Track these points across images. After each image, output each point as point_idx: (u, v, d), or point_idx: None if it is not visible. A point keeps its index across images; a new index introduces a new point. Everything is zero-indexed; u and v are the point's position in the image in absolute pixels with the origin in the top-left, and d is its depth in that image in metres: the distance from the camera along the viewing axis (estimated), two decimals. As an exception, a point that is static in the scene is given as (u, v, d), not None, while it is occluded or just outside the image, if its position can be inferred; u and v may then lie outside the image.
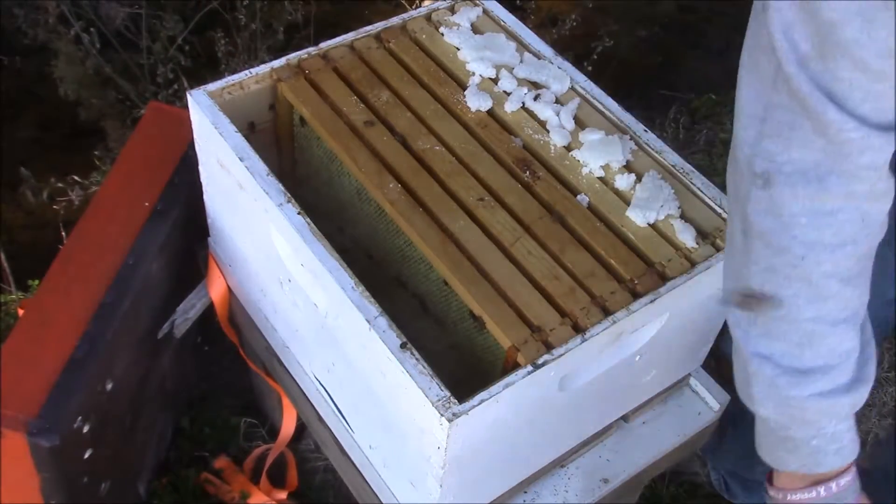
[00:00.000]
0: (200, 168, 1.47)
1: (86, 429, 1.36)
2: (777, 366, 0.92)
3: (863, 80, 0.77)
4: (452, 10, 1.57)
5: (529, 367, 1.11)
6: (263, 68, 1.43)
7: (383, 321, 1.13)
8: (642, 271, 1.23)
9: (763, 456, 1.03)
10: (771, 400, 0.94)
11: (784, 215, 0.85)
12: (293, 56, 1.46)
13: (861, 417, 2.09)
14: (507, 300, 1.19)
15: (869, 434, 2.07)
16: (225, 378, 1.96)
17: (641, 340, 1.27)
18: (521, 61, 1.49)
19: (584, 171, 1.35)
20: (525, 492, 1.39)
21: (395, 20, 1.54)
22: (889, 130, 0.80)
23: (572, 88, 1.47)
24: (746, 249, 0.89)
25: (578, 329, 1.16)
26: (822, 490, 0.98)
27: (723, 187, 1.27)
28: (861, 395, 0.94)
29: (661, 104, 2.66)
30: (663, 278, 1.22)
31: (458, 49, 1.50)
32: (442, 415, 1.05)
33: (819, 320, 0.89)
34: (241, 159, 1.29)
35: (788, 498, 1.01)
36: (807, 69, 0.79)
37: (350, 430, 1.39)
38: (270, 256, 1.35)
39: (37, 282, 2.02)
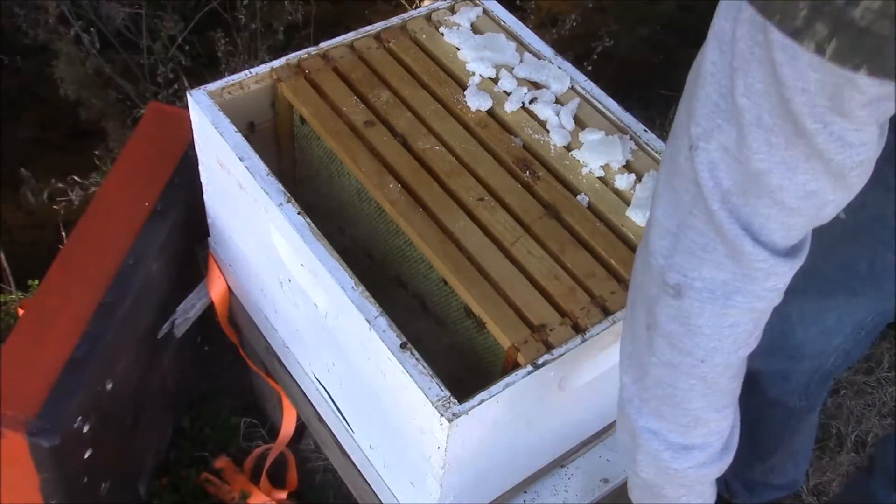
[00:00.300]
0: (200, 168, 1.47)
1: (86, 429, 1.36)
2: (663, 441, 1.00)
3: (780, 215, 0.84)
4: (452, 10, 1.57)
5: (529, 367, 1.11)
6: (263, 68, 1.43)
7: (383, 321, 1.13)
8: (642, 271, 1.23)
9: (632, 499, 1.12)
10: (653, 468, 1.03)
11: (691, 325, 0.92)
12: (293, 56, 1.46)
13: (861, 417, 2.09)
14: (507, 300, 1.19)
15: (869, 434, 2.08)
16: (225, 378, 1.96)
17: (641, 340, 1.27)
18: (521, 61, 1.49)
19: (584, 171, 1.35)
20: (525, 492, 1.39)
21: (395, 20, 1.54)
22: (791, 258, 0.88)
23: (572, 88, 1.47)
24: (650, 342, 0.96)
25: (578, 329, 1.16)
26: None
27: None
28: (727, 462, 1.06)
29: (661, 104, 2.65)
30: (663, 278, 1.22)
31: (458, 49, 1.50)
32: (442, 415, 1.05)
33: (706, 409, 0.98)
34: (241, 159, 1.29)
35: None
36: (728, 204, 0.85)
37: (350, 431, 1.39)
38: (270, 256, 1.35)
39: (37, 282, 2.02)
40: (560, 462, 1.41)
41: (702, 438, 1.01)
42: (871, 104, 0.75)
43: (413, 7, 2.18)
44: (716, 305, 0.90)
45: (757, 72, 0.76)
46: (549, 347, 1.14)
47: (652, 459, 1.02)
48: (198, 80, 2.26)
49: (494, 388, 1.08)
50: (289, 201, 1.25)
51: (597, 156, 1.35)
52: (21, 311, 1.54)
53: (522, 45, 1.52)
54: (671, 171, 0.88)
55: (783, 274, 0.89)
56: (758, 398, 1.68)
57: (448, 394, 1.07)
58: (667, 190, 0.90)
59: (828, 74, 0.72)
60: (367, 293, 1.16)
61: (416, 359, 1.10)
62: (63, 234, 2.06)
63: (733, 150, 0.82)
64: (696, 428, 1.00)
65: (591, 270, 1.23)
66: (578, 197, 1.32)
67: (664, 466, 1.02)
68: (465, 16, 1.54)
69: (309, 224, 1.23)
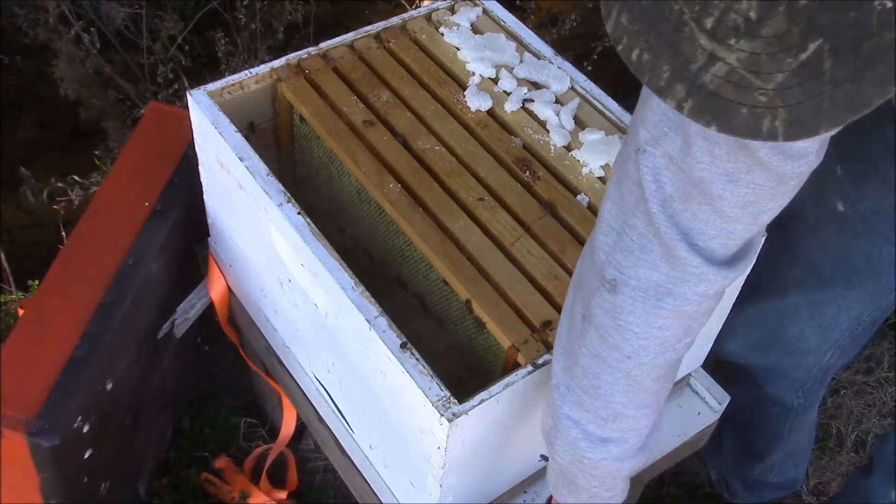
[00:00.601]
0: (200, 168, 1.47)
1: (86, 429, 1.36)
2: (582, 430, 1.04)
3: (718, 222, 0.87)
4: (452, 10, 1.57)
5: (529, 367, 1.11)
6: (263, 68, 1.43)
7: (383, 321, 1.13)
8: (642, 271, 1.23)
9: (549, 486, 1.16)
10: (569, 454, 1.06)
11: (621, 320, 0.95)
12: (293, 56, 1.46)
13: (861, 417, 2.09)
14: (507, 300, 1.19)
15: (869, 434, 2.08)
16: (225, 378, 1.96)
17: (641, 340, 1.27)
18: (521, 61, 1.49)
19: (584, 171, 1.35)
20: (525, 492, 1.39)
21: (395, 20, 1.54)
22: (726, 267, 0.91)
23: (572, 88, 1.47)
24: (582, 332, 0.99)
25: (578, 329, 1.16)
26: None
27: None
28: (643, 460, 1.09)
29: (661, 104, 2.65)
30: (663, 278, 1.22)
31: (458, 49, 1.50)
32: (442, 415, 1.05)
33: (627, 405, 1.01)
34: (241, 159, 1.29)
35: None
36: (668, 209, 0.88)
37: (350, 431, 1.39)
38: (270, 256, 1.35)
39: (37, 282, 2.02)
40: (560, 462, 1.41)
41: (619, 433, 1.03)
42: None
43: (413, 7, 2.18)
44: (647, 304, 0.93)
45: None
46: (549, 347, 1.14)
47: (569, 446, 1.05)
48: (198, 80, 2.25)
49: (494, 388, 1.08)
50: (289, 201, 1.25)
51: (597, 156, 1.35)
52: (21, 311, 1.54)
53: (522, 45, 1.52)
54: (620, 172, 0.92)
55: (714, 281, 0.92)
56: (755, 395, 1.68)
57: (448, 394, 1.07)
58: (615, 190, 0.93)
59: None
60: (367, 293, 1.16)
61: (416, 359, 1.10)
62: (63, 234, 2.06)
63: (677, 159, 0.85)
64: (614, 422, 1.02)
65: (591, 270, 1.23)
66: (578, 197, 1.32)
67: (579, 455, 1.05)
68: (465, 16, 1.54)
69: (309, 224, 1.23)
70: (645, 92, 0.87)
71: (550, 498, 1.18)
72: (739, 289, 1.36)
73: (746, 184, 0.84)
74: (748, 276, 1.32)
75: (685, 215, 0.88)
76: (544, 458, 1.28)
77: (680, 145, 0.85)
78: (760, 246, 0.95)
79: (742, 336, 1.58)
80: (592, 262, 0.97)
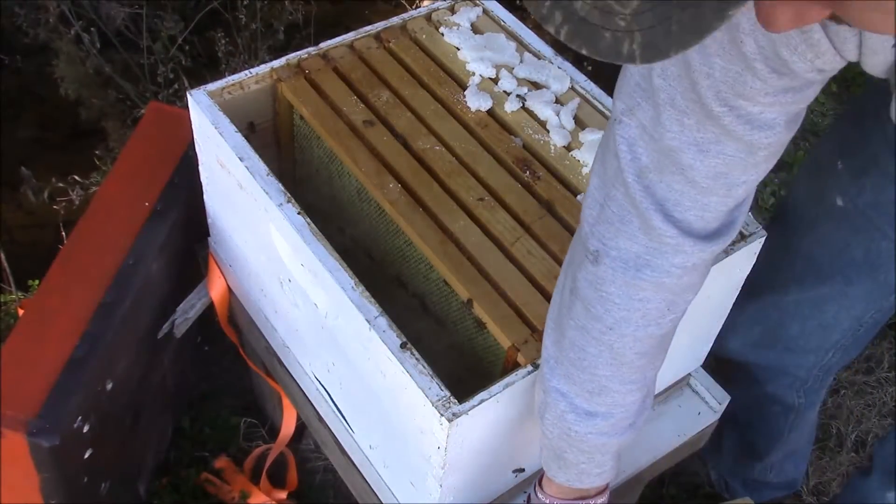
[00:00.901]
0: (200, 168, 1.47)
1: (86, 429, 1.36)
2: (569, 403, 1.05)
3: (692, 192, 0.89)
4: (452, 10, 1.57)
5: (529, 367, 1.11)
6: (263, 68, 1.43)
7: (383, 321, 1.13)
8: (642, 271, 1.23)
9: (542, 462, 1.17)
10: (557, 428, 1.08)
11: (603, 291, 0.97)
12: (293, 56, 1.45)
13: (861, 417, 2.09)
14: (507, 300, 1.19)
15: (869, 434, 2.08)
16: (225, 378, 1.96)
17: (641, 340, 1.27)
18: (521, 61, 1.49)
19: (584, 170, 1.35)
20: (525, 492, 1.39)
21: (395, 20, 1.54)
22: (703, 240, 0.93)
23: (572, 88, 1.46)
24: (570, 305, 1.01)
25: (578, 329, 1.16)
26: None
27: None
28: (631, 437, 1.10)
29: (661, 104, 2.65)
30: (663, 278, 1.22)
31: (458, 49, 1.50)
32: (442, 415, 1.05)
33: (612, 378, 1.02)
34: (241, 159, 1.29)
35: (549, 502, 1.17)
36: (644, 179, 0.90)
37: (350, 431, 1.39)
38: (270, 256, 1.35)
39: (37, 282, 2.02)
40: (560, 462, 1.41)
41: (605, 407, 1.05)
42: (773, 94, 0.81)
43: (413, 7, 2.18)
44: (626, 275, 0.95)
45: None
46: (549, 347, 1.14)
47: (557, 420, 1.07)
48: (198, 80, 2.25)
49: (494, 388, 1.08)
50: (289, 201, 1.25)
51: (597, 156, 1.35)
52: (21, 311, 1.54)
53: (522, 45, 1.52)
54: (604, 146, 0.94)
55: (691, 253, 0.93)
56: (756, 394, 1.68)
57: (448, 394, 1.07)
58: (599, 164, 0.95)
59: (730, 62, 0.80)
60: (367, 293, 1.16)
61: (416, 359, 1.10)
62: (63, 234, 2.06)
63: (650, 128, 0.88)
64: (600, 395, 1.04)
65: (591, 270, 1.23)
66: (578, 197, 1.32)
67: (567, 428, 1.06)
68: (465, 16, 1.54)
69: (309, 224, 1.23)
70: (624, 66, 0.89)
71: (541, 478, 1.19)
72: (740, 286, 1.36)
73: (716, 154, 0.86)
74: (749, 273, 1.33)
75: (660, 186, 0.90)
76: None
77: (651, 115, 0.87)
78: (741, 222, 0.96)
79: (743, 333, 1.58)
80: (579, 236, 0.99)
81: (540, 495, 1.19)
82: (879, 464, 1.64)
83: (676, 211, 0.91)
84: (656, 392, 1.46)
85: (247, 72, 1.43)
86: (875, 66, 0.84)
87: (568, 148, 1.38)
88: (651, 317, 0.98)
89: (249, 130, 1.47)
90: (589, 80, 1.48)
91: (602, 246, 0.95)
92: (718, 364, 1.64)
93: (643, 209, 0.91)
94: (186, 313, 1.64)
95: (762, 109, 0.83)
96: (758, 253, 1.31)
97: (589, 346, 1.01)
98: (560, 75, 1.46)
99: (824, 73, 0.83)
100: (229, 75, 1.43)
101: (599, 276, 0.97)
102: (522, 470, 1.30)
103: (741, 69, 0.80)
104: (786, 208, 1.54)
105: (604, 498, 1.17)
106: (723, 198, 0.90)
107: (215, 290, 1.63)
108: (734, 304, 1.39)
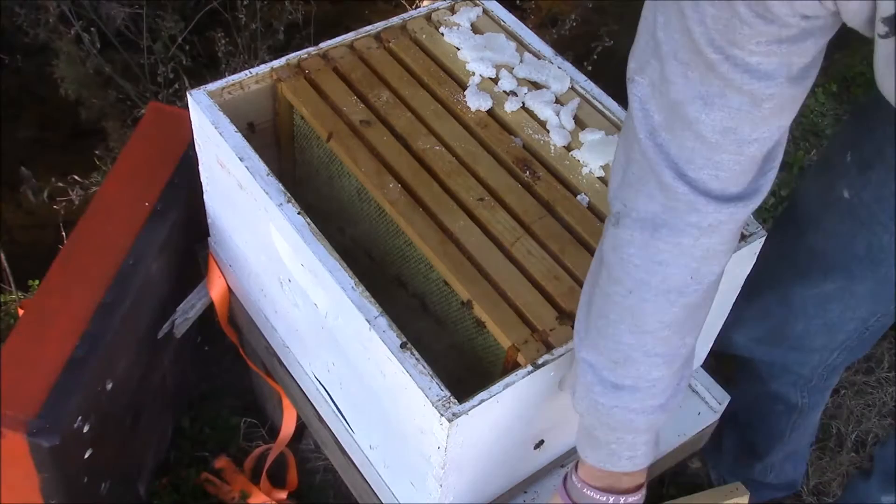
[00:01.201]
0: (200, 168, 1.47)
1: (86, 429, 1.36)
2: (596, 375, 1.05)
3: (703, 149, 0.89)
4: (452, 10, 1.57)
5: (529, 367, 1.11)
6: (263, 68, 1.43)
7: (383, 321, 1.13)
8: (642, 271, 1.23)
9: (577, 446, 1.15)
10: (585, 401, 1.07)
11: (623, 253, 0.98)
12: (293, 56, 1.46)
13: (861, 417, 2.09)
14: (507, 300, 1.19)
15: (869, 434, 2.08)
16: (225, 378, 1.96)
17: (641, 340, 1.27)
18: (521, 61, 1.49)
19: (584, 171, 1.35)
20: (525, 492, 1.39)
21: (395, 20, 1.54)
22: (719, 201, 0.93)
23: (572, 88, 1.46)
24: (597, 273, 1.03)
25: (578, 329, 1.16)
26: (611, 499, 1.13)
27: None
28: (660, 420, 1.08)
29: (661, 104, 2.64)
30: (663, 278, 1.22)
31: (458, 49, 1.50)
32: (442, 415, 1.05)
33: (635, 348, 1.02)
34: (241, 159, 1.29)
35: (585, 491, 1.15)
36: (657, 137, 0.91)
37: (350, 430, 1.39)
38: (270, 256, 1.35)
39: (37, 282, 2.02)
40: (560, 462, 1.41)
41: (631, 380, 1.03)
42: (766, 43, 0.82)
43: (413, 7, 2.18)
44: (644, 235, 0.96)
45: (670, 8, 0.84)
46: (549, 347, 1.14)
47: (586, 392, 1.07)
48: (198, 80, 2.25)
49: (494, 388, 1.08)
50: (289, 201, 1.25)
51: (597, 156, 1.35)
52: (21, 311, 1.54)
53: (522, 45, 1.52)
54: (628, 113, 0.95)
55: (705, 213, 0.93)
56: (759, 391, 1.68)
57: (448, 394, 1.07)
58: (623, 129, 0.97)
59: (720, 9, 0.80)
60: (367, 293, 1.16)
61: (416, 359, 1.10)
62: (63, 234, 2.06)
63: (658, 84, 0.89)
64: (624, 366, 1.03)
65: (591, 270, 1.23)
66: (578, 197, 1.32)
67: (594, 401, 1.06)
68: (465, 16, 1.54)
69: (309, 224, 1.23)
70: (638, 28, 0.91)
71: (577, 463, 1.17)
72: (741, 286, 1.36)
73: (721, 107, 0.86)
74: (754, 267, 1.33)
75: (672, 144, 0.90)
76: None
77: (659, 71, 0.88)
78: (764, 191, 0.96)
79: (749, 329, 1.58)
80: (607, 204, 1.01)
81: (574, 477, 1.16)
82: (880, 467, 1.64)
83: (689, 169, 0.91)
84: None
85: (247, 72, 1.43)
86: (853, 15, 0.83)
87: (568, 148, 1.38)
88: (672, 283, 0.97)
89: (249, 130, 1.47)
90: (589, 80, 1.48)
91: (623, 207, 0.96)
92: (722, 362, 1.64)
93: (657, 167, 0.91)
94: (186, 313, 1.64)
95: (759, 60, 0.83)
96: (757, 253, 1.31)
97: (612, 312, 1.01)
98: (560, 75, 1.46)
99: (810, 21, 0.82)
100: (229, 75, 1.43)
101: (620, 238, 0.97)
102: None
103: (729, 15, 0.81)
104: (795, 203, 1.54)
105: (637, 497, 1.14)
106: (734, 155, 0.90)
107: (215, 290, 1.63)
108: (741, 298, 1.39)
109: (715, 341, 1.48)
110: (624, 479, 1.13)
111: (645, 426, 1.07)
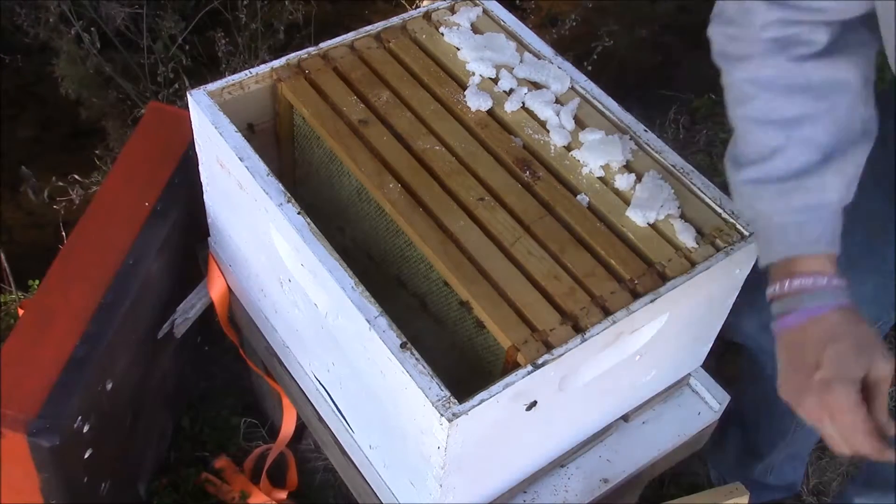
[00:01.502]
0: (200, 168, 1.47)
1: (86, 429, 1.36)
2: (730, 155, 1.15)
3: None
4: (452, 10, 1.57)
5: (529, 367, 1.11)
6: (263, 68, 1.43)
7: (383, 321, 1.13)
8: (642, 271, 1.23)
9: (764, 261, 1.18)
10: (730, 184, 1.16)
11: (732, 29, 1.11)
12: (293, 56, 1.45)
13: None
14: (507, 300, 1.19)
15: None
16: (225, 378, 1.96)
17: (641, 340, 1.27)
18: (521, 61, 1.49)
19: (584, 171, 1.35)
20: (525, 492, 1.39)
21: (395, 20, 1.54)
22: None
23: (572, 88, 1.46)
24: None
25: (578, 329, 1.16)
26: (785, 284, 1.11)
27: (723, 187, 1.27)
28: (796, 200, 1.09)
29: (661, 104, 2.65)
30: (663, 278, 1.22)
31: (458, 49, 1.50)
32: (442, 415, 1.05)
33: (745, 119, 1.11)
34: (241, 159, 1.29)
35: (767, 291, 1.16)
36: None
37: (350, 430, 1.39)
38: (270, 256, 1.35)
39: (37, 282, 2.02)
40: (560, 462, 1.41)
41: (750, 153, 1.11)
42: None
43: (413, 7, 2.18)
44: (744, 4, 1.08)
45: None
46: (549, 347, 1.14)
47: (728, 172, 1.16)
48: (198, 80, 2.26)
49: (494, 388, 1.08)
50: (289, 201, 1.25)
51: (597, 156, 1.35)
52: (21, 311, 1.54)
53: (522, 45, 1.52)
54: None
55: (768, 24, 1.06)
56: (765, 388, 1.67)
57: (448, 394, 1.07)
58: None
59: None
60: (367, 293, 1.16)
61: (416, 359, 1.10)
62: (63, 234, 2.06)
63: None
64: (742, 138, 1.13)
65: (591, 270, 1.23)
66: (578, 197, 1.32)
67: (729, 177, 1.16)
68: (465, 16, 1.54)
69: (309, 224, 1.23)
70: None
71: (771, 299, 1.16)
72: (741, 286, 1.36)
73: None
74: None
75: None
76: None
77: None
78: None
79: (758, 314, 1.57)
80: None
81: (768, 290, 1.15)
82: (878, 470, 1.64)
83: None
84: (657, 392, 1.46)
85: (247, 72, 1.43)
86: None
87: (568, 148, 1.38)
88: (770, 51, 1.07)
89: (249, 131, 1.47)
90: (589, 80, 1.48)
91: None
92: (722, 362, 1.64)
93: None
94: (186, 313, 1.64)
95: None
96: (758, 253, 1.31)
97: (728, 92, 1.12)
98: (560, 75, 1.46)
99: None
100: (229, 75, 1.43)
101: (726, 13, 1.11)
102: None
103: None
104: None
105: (801, 280, 1.10)
106: None
107: (215, 290, 1.63)
108: (748, 286, 1.38)
109: (722, 329, 1.48)
110: (799, 260, 1.11)
111: (775, 194, 1.10)
